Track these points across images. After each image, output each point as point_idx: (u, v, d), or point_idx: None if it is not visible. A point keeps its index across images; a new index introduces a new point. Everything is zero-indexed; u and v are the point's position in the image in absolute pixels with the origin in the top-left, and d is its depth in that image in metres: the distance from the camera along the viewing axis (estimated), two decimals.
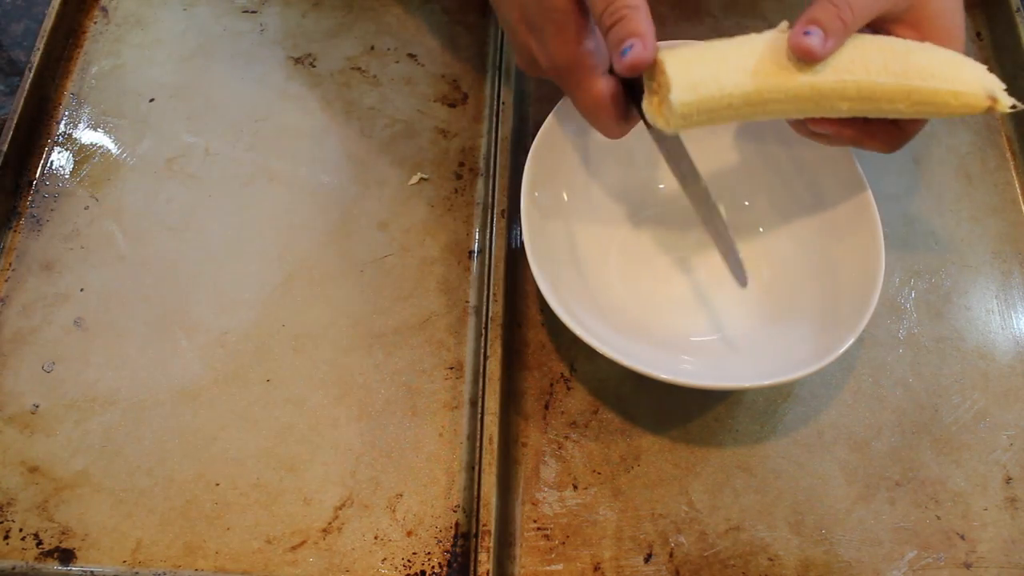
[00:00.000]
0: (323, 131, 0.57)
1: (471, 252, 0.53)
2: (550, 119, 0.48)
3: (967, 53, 0.42)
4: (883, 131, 0.43)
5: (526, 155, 0.47)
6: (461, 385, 0.49)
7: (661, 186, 0.53)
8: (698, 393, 0.49)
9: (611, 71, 0.40)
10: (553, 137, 0.49)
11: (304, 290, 0.52)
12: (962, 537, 0.46)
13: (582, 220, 0.51)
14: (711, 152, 0.52)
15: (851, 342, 0.42)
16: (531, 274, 0.52)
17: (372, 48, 0.60)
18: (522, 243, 0.45)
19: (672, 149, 0.42)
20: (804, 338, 0.46)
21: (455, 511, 0.46)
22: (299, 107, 0.58)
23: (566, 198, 0.51)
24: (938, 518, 0.46)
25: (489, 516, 0.43)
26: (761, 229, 0.52)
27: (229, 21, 0.61)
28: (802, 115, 0.41)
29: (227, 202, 0.55)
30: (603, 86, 0.40)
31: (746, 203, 0.52)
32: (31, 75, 0.56)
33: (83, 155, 0.56)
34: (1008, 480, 0.47)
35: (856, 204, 0.47)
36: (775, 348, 0.46)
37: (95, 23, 0.61)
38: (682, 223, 0.52)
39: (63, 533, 0.45)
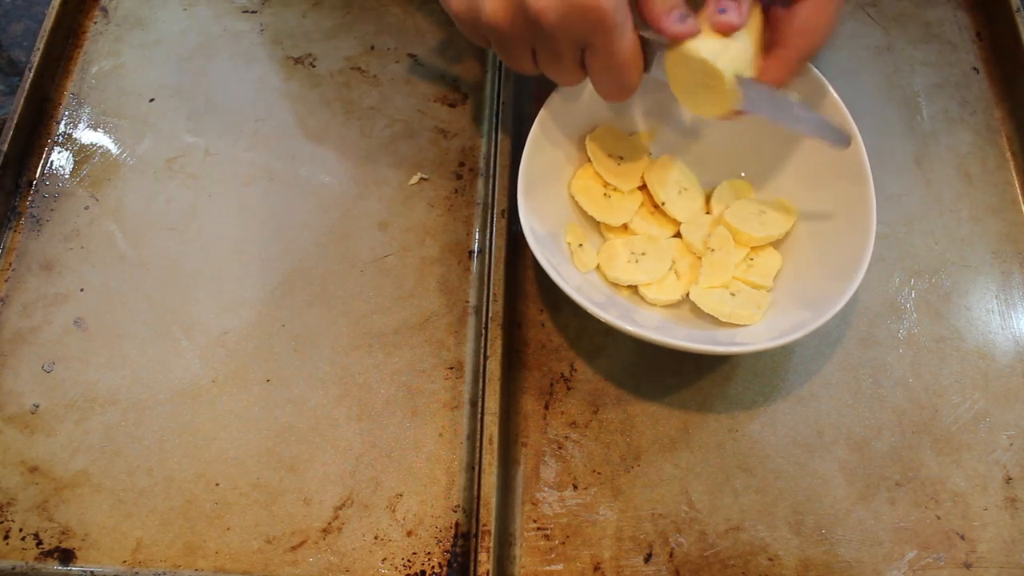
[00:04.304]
0: (323, 131, 0.57)
1: (471, 252, 0.53)
2: (552, 99, 0.49)
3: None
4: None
5: None
6: (461, 385, 0.49)
7: (651, 155, 0.54)
8: (698, 392, 0.49)
9: None
10: (557, 113, 0.49)
11: (304, 290, 0.52)
12: (962, 537, 0.46)
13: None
14: (709, 125, 0.53)
15: (843, 303, 0.43)
16: (531, 274, 0.53)
17: (372, 48, 0.60)
18: (521, 231, 0.45)
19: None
20: (798, 304, 0.46)
21: (455, 511, 0.46)
22: (299, 107, 0.58)
23: (566, 161, 0.51)
24: (938, 518, 0.46)
25: (489, 516, 0.43)
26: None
27: (229, 21, 0.61)
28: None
29: (227, 202, 0.55)
30: (636, 37, 0.41)
31: (742, 174, 0.53)
32: (31, 75, 0.56)
33: (83, 155, 0.56)
34: (1008, 480, 0.47)
35: (851, 176, 0.47)
36: (770, 317, 0.47)
37: (95, 23, 0.61)
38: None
39: (63, 533, 0.45)
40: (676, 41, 0.41)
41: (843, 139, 0.43)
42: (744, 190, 0.52)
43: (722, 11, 0.41)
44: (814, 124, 0.43)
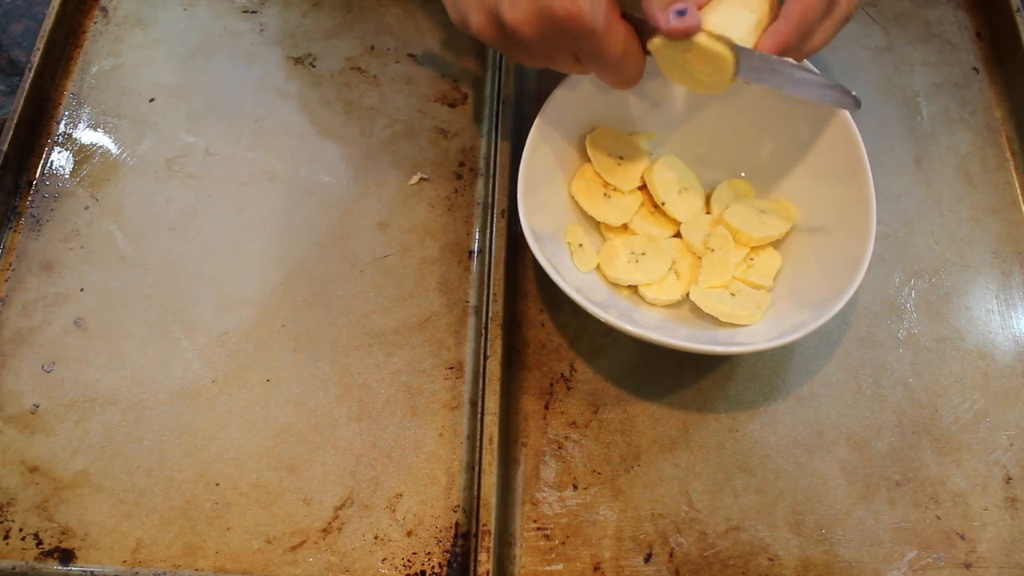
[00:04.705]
0: (323, 131, 0.57)
1: (471, 252, 0.53)
2: (552, 99, 0.49)
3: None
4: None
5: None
6: (461, 385, 0.49)
7: (651, 155, 0.54)
8: (698, 392, 0.49)
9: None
10: (557, 113, 0.49)
11: (304, 290, 0.52)
12: (962, 537, 0.46)
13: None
14: (708, 125, 0.53)
15: (843, 303, 0.43)
16: (531, 274, 0.53)
17: (372, 48, 0.60)
18: (521, 231, 0.45)
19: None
20: (798, 304, 0.46)
21: (455, 511, 0.46)
22: (299, 107, 0.58)
23: (566, 161, 0.51)
24: (938, 518, 0.46)
25: (489, 516, 0.43)
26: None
27: (229, 21, 0.61)
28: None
29: (227, 202, 0.55)
30: (629, 28, 0.40)
31: (742, 174, 0.53)
32: (31, 75, 0.56)
33: (83, 155, 0.56)
34: (1008, 480, 0.47)
35: (851, 176, 0.47)
36: (770, 317, 0.47)
37: (95, 23, 0.61)
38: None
39: (63, 533, 0.45)
40: (672, 35, 0.39)
41: (851, 100, 0.42)
42: (744, 190, 0.52)
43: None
44: (818, 87, 0.42)
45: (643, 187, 0.52)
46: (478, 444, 0.45)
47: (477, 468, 0.45)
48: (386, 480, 0.47)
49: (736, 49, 0.40)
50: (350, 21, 0.62)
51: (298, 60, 0.60)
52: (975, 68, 0.61)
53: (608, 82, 0.43)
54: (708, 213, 0.52)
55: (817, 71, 0.42)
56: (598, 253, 0.50)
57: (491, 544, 0.43)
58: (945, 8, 0.63)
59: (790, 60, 0.41)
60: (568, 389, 0.49)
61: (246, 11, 0.62)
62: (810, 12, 0.41)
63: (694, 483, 0.47)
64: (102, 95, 0.58)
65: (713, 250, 0.49)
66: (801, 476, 0.47)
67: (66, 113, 0.58)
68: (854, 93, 0.42)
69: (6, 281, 0.52)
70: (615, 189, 0.51)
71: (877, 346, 0.51)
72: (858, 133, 0.47)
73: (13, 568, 0.44)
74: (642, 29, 0.41)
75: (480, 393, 0.47)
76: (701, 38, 0.39)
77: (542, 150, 0.49)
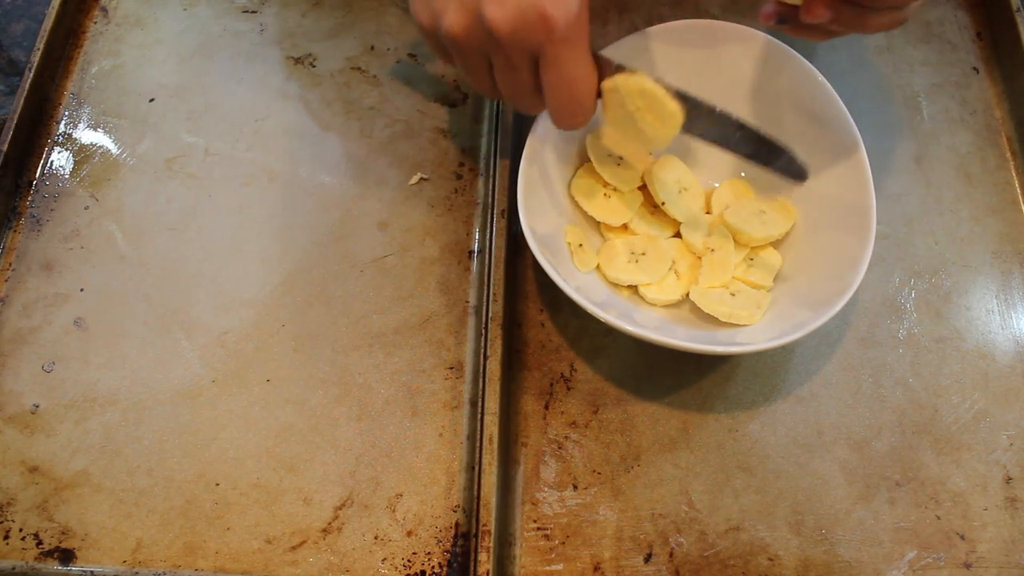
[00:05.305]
0: (323, 131, 0.57)
1: (471, 252, 0.53)
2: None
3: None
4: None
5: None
6: (461, 385, 0.49)
7: (651, 154, 0.54)
8: (698, 392, 0.49)
9: None
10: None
11: (304, 290, 0.52)
12: (962, 537, 0.46)
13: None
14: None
15: (843, 303, 0.43)
16: (531, 274, 0.53)
17: (372, 48, 0.60)
18: (521, 231, 0.45)
19: None
20: (798, 304, 0.46)
21: (455, 511, 0.46)
22: (299, 107, 0.58)
23: (566, 161, 0.51)
24: (938, 518, 0.46)
25: (489, 516, 0.43)
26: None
27: (229, 21, 0.61)
28: None
29: (227, 202, 0.55)
30: (589, 56, 0.41)
31: (742, 174, 0.53)
32: (31, 75, 0.56)
33: (83, 155, 0.56)
34: (1008, 480, 0.47)
35: (851, 176, 0.47)
36: (770, 317, 0.47)
37: (95, 23, 0.61)
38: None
39: (63, 533, 0.45)
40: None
41: (798, 169, 0.45)
42: (744, 190, 0.52)
43: None
44: (768, 147, 0.44)
45: (643, 187, 0.52)
46: (478, 444, 0.45)
47: (477, 468, 0.45)
48: (386, 480, 0.47)
49: (687, 104, 0.42)
50: (350, 21, 0.62)
51: (298, 60, 0.60)
52: (975, 68, 0.61)
53: (557, 107, 0.42)
54: (708, 213, 0.52)
55: (773, 137, 0.45)
56: (598, 253, 0.50)
57: (491, 544, 0.43)
58: (945, 8, 0.63)
59: (742, 119, 0.43)
60: (568, 389, 0.49)
61: (246, 11, 0.62)
62: None
63: (694, 483, 0.47)
64: (102, 95, 0.58)
65: (713, 250, 0.49)
66: (801, 476, 0.47)
67: (66, 113, 0.58)
68: (804, 167, 0.45)
69: (6, 281, 0.52)
70: (615, 189, 0.51)
71: (877, 346, 0.51)
72: (858, 133, 0.47)
73: (13, 568, 0.44)
74: (602, 70, 0.43)
75: (480, 393, 0.47)
76: (658, 89, 0.42)
77: (542, 150, 0.49)
